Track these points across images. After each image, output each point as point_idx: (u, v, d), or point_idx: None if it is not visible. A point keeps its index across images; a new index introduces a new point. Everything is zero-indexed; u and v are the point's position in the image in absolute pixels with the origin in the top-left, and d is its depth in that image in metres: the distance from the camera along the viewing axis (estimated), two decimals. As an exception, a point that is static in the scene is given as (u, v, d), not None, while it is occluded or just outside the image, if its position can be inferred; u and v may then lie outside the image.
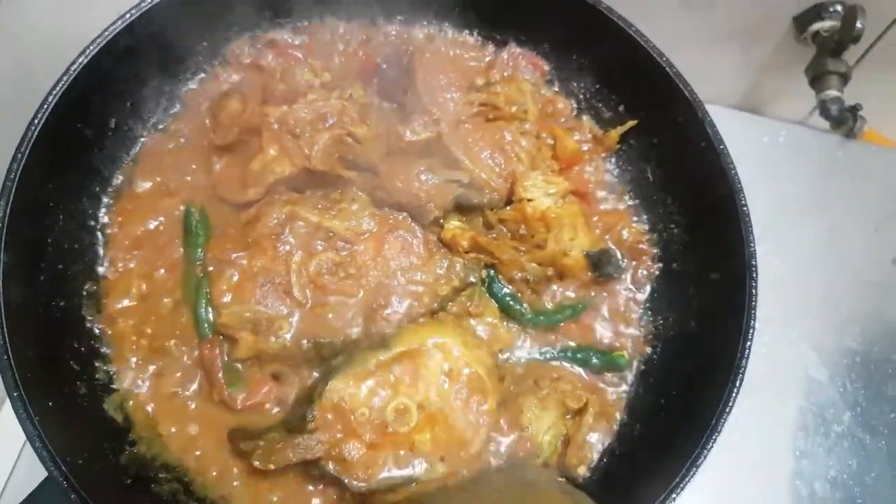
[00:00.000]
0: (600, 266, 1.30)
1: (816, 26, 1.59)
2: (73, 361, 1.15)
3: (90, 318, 1.20)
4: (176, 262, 1.24)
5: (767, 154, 1.79)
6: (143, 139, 1.34)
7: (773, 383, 1.54)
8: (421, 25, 1.49)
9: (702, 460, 1.07)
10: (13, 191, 1.09)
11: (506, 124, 1.34)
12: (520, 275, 1.29)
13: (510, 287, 1.30)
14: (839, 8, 1.56)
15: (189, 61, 1.38)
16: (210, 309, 1.17)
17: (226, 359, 1.16)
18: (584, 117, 1.47)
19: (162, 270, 1.23)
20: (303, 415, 1.07)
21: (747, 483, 1.47)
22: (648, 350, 1.31)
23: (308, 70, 1.39)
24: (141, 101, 1.33)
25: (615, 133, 1.42)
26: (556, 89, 1.48)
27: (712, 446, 1.07)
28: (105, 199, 1.28)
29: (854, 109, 1.67)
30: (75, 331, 1.18)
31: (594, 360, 1.28)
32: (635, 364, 1.30)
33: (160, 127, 1.36)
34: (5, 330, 1.04)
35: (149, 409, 1.16)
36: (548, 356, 1.28)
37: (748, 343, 1.14)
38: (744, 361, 1.12)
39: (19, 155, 1.11)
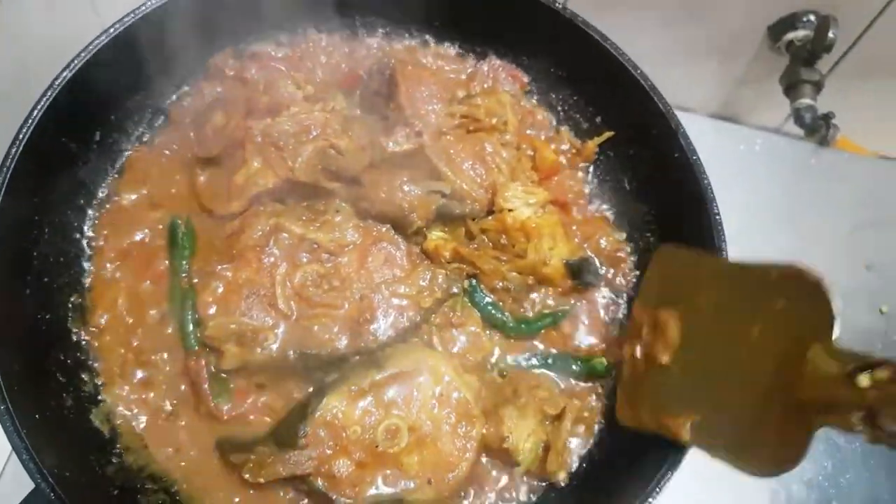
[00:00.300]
0: (580, 274, 1.32)
1: (790, 36, 1.63)
2: (59, 374, 1.16)
3: (76, 330, 1.21)
4: (162, 274, 1.25)
5: (743, 161, 1.83)
6: (127, 152, 1.35)
7: (750, 387, 1.58)
8: (403, 38, 1.52)
9: (678, 465, 1.09)
10: (-2, 205, 1.10)
11: (486, 136, 1.37)
12: (501, 284, 1.32)
13: (492, 296, 1.32)
14: (812, 18, 1.60)
15: (173, 74, 1.40)
16: (196, 321, 1.18)
17: (212, 370, 1.17)
18: (563, 129, 1.50)
19: (148, 283, 1.24)
20: (294, 429, 1.08)
21: (725, 486, 1.49)
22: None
23: (291, 82, 1.40)
24: (125, 115, 1.35)
25: (593, 144, 1.45)
26: (536, 101, 1.51)
27: (688, 450, 1.10)
28: (90, 212, 1.29)
29: (827, 117, 1.70)
30: (61, 343, 1.19)
31: (574, 367, 1.30)
32: (614, 371, 1.32)
33: (145, 140, 1.37)
34: (-9, 344, 1.04)
35: (135, 420, 1.17)
36: (528, 364, 1.30)
37: (722, 349, 1.16)
38: (718, 368, 1.15)
39: (4, 169, 1.11)
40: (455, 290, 1.28)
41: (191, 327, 1.18)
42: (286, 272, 1.19)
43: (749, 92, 1.84)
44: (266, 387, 1.20)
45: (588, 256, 1.37)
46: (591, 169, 1.48)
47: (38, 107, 1.16)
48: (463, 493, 1.18)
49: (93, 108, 1.28)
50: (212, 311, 1.16)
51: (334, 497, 1.07)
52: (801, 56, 1.64)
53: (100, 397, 1.18)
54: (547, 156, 1.42)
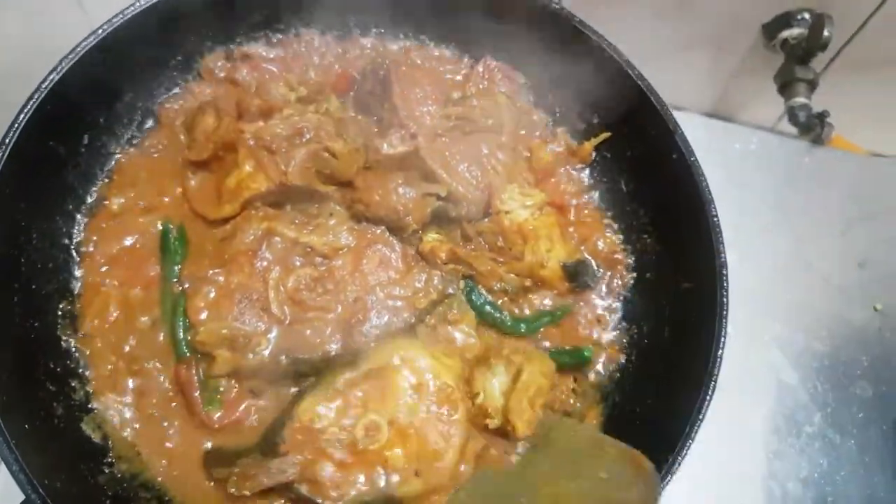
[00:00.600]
0: (576, 276, 1.32)
1: (785, 34, 1.63)
2: (49, 382, 1.14)
3: (66, 338, 1.19)
4: (153, 280, 1.23)
5: (738, 160, 1.83)
6: (117, 155, 1.33)
7: (745, 387, 1.58)
8: (397, 38, 1.50)
9: (676, 467, 1.09)
10: (-16, 210, 1.08)
11: (482, 137, 1.35)
12: (498, 286, 1.31)
13: (489, 296, 1.31)
14: (807, 16, 1.60)
15: (163, 76, 1.37)
16: (186, 327, 1.16)
17: (201, 377, 1.15)
18: (559, 129, 1.49)
19: (138, 289, 1.22)
20: (275, 438, 1.07)
21: (722, 484, 1.50)
22: (623, 359, 1.33)
23: (283, 84, 1.38)
24: (114, 117, 1.32)
25: (589, 145, 1.44)
26: (532, 102, 1.50)
27: (686, 453, 1.10)
28: (79, 217, 1.27)
29: (821, 116, 1.71)
30: (51, 351, 1.17)
31: (565, 359, 1.29)
32: (609, 373, 1.32)
33: (134, 142, 1.35)
34: (-21, 354, 1.03)
35: (127, 428, 1.15)
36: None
37: (720, 351, 1.16)
38: (716, 370, 1.15)
39: (-9, 174, 1.09)
40: (451, 290, 1.27)
41: (181, 334, 1.17)
42: (279, 276, 1.18)
43: (743, 90, 1.85)
44: (259, 393, 1.18)
45: (585, 259, 1.36)
46: (587, 170, 1.47)
47: (25, 110, 1.14)
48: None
49: (81, 111, 1.26)
50: (203, 316, 1.14)
51: (320, 501, 1.05)
52: (795, 54, 1.64)
53: (91, 405, 1.17)
54: (543, 157, 1.42)
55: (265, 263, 1.18)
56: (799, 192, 1.81)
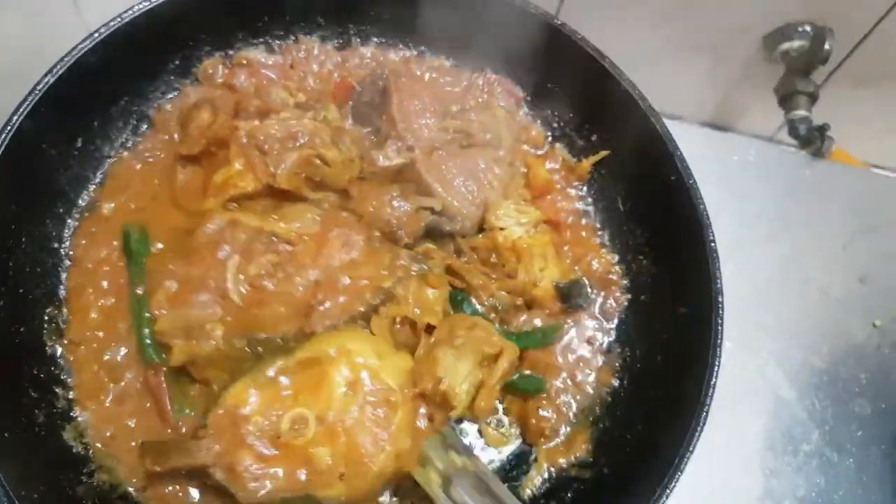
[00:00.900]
0: (569, 297, 1.30)
1: (785, 46, 1.61)
2: (32, 389, 1.12)
3: (51, 343, 1.18)
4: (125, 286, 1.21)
5: (737, 171, 1.79)
6: (110, 159, 1.31)
7: (742, 403, 1.55)
8: (398, 49, 1.48)
9: (664, 500, 1.07)
10: (-26, 213, 1.07)
11: (479, 151, 1.34)
12: (488, 302, 1.29)
13: (481, 307, 1.28)
14: (808, 28, 1.58)
15: (159, 80, 1.36)
16: (151, 326, 1.14)
17: (170, 382, 1.13)
18: (558, 146, 1.47)
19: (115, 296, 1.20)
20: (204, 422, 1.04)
21: (717, 503, 1.48)
22: (615, 382, 1.31)
23: (283, 89, 1.38)
24: (109, 121, 1.31)
25: (587, 163, 1.42)
26: (531, 117, 1.48)
27: (675, 485, 1.07)
28: (70, 221, 1.25)
29: (822, 129, 1.69)
30: (35, 357, 1.16)
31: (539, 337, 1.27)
32: (601, 397, 1.30)
33: (128, 146, 1.33)
34: (-39, 359, 1.01)
35: (107, 437, 1.13)
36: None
37: (713, 381, 1.14)
38: (708, 399, 1.12)
39: (-20, 176, 1.08)
40: (416, 268, 1.22)
41: (146, 336, 1.15)
42: (238, 263, 1.14)
43: (743, 101, 1.83)
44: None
45: (579, 279, 1.34)
46: (584, 188, 1.45)
47: (19, 112, 1.13)
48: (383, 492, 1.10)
49: (75, 114, 1.24)
50: (164, 310, 1.12)
51: (234, 491, 1.01)
52: (796, 66, 1.62)
53: (73, 413, 1.15)
54: (540, 173, 1.40)
55: (226, 253, 1.15)
56: (799, 204, 1.78)
